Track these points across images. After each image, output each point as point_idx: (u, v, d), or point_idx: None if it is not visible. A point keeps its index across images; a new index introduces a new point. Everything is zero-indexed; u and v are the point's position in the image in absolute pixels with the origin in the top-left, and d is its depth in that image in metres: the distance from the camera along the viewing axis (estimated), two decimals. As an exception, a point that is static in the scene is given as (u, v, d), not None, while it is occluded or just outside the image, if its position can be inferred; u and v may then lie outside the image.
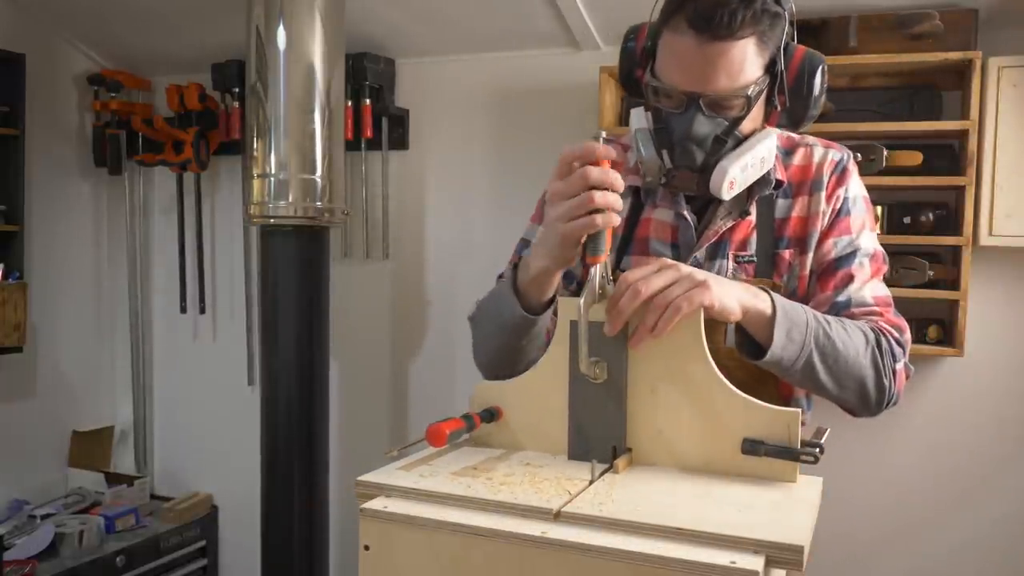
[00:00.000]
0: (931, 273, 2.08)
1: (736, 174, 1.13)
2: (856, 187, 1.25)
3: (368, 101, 2.63)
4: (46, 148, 2.89)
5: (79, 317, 3.07)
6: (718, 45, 1.07)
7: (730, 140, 1.14)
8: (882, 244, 1.25)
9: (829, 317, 1.13)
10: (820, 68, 1.16)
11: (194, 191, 2.99)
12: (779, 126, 1.22)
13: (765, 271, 1.23)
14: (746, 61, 1.09)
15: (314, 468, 2.39)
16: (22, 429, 2.88)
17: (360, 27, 2.52)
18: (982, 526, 2.24)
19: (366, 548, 0.92)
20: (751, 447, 0.98)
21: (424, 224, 2.78)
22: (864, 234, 1.23)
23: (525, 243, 1.37)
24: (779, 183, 1.22)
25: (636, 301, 0.99)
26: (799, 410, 0.97)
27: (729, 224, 1.22)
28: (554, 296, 1.16)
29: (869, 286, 1.21)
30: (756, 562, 0.76)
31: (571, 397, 1.07)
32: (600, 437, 1.05)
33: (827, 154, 1.25)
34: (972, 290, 2.06)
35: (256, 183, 2.29)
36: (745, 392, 0.99)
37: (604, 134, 1.03)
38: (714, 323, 1.07)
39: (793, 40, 1.17)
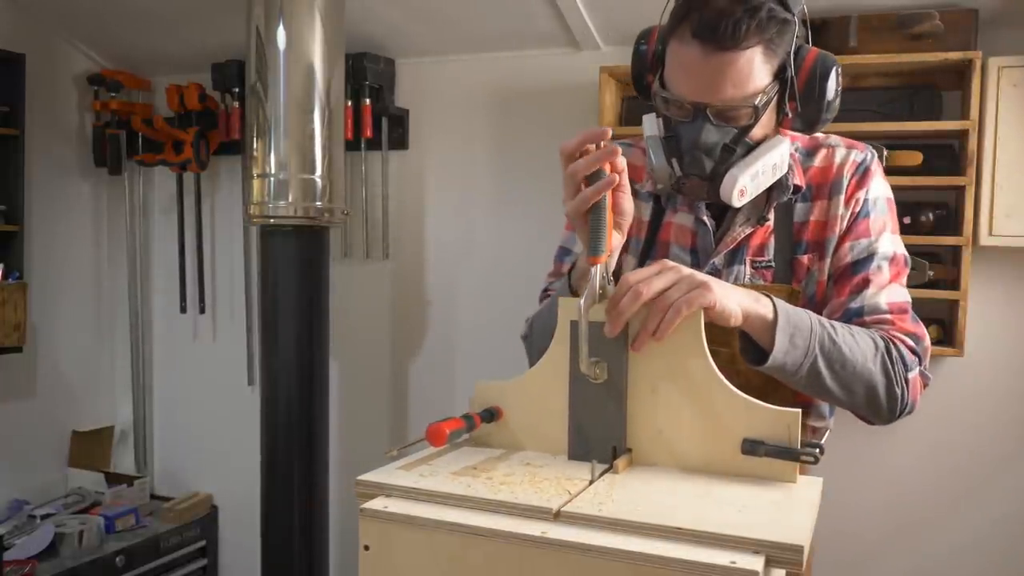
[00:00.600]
0: (931, 273, 2.08)
1: (746, 182, 1.13)
2: (878, 188, 1.23)
3: (368, 101, 2.63)
4: (46, 148, 2.89)
5: (79, 317, 3.07)
6: (723, 55, 1.06)
7: (739, 148, 1.13)
8: (881, 244, 1.24)
9: (836, 323, 1.12)
10: (833, 71, 1.14)
11: (194, 191, 3.00)
12: (793, 129, 1.21)
13: (783, 276, 1.22)
14: (753, 70, 1.08)
15: (314, 468, 2.39)
16: (22, 429, 2.88)
17: (360, 27, 2.52)
18: (982, 526, 2.24)
19: (366, 548, 0.92)
20: (751, 447, 0.98)
21: (424, 224, 2.78)
22: (884, 237, 1.21)
23: (564, 251, 1.38)
24: (797, 188, 1.21)
25: (637, 303, 0.99)
26: (799, 410, 0.97)
27: (748, 231, 1.22)
28: None
29: (886, 292, 1.19)
30: (756, 562, 0.76)
31: (571, 397, 1.07)
32: (600, 437, 1.05)
33: (849, 155, 1.23)
34: (972, 290, 2.06)
35: (256, 183, 2.29)
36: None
37: (610, 132, 1.04)
38: (730, 328, 1.07)
39: (807, 42, 1.16)
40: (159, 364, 3.22)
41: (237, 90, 2.77)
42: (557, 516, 0.86)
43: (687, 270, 1.01)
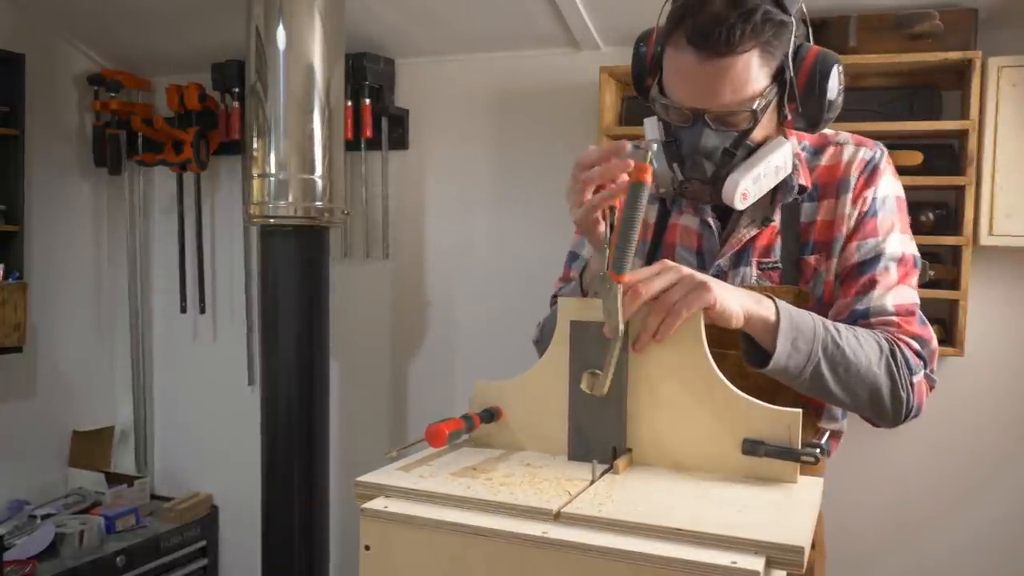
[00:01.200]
0: (931, 273, 2.08)
1: (748, 185, 1.12)
2: (888, 186, 1.21)
3: (368, 101, 2.63)
4: (46, 148, 2.89)
5: (79, 317, 3.07)
6: (719, 61, 1.06)
7: (740, 151, 1.13)
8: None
9: (840, 326, 1.11)
10: (834, 69, 1.13)
11: (194, 191, 2.99)
12: (796, 129, 1.20)
13: (790, 277, 1.21)
14: (750, 74, 1.07)
15: (314, 468, 2.39)
16: (22, 429, 2.88)
17: (360, 27, 2.52)
18: (983, 525, 2.24)
19: (366, 548, 0.92)
20: (751, 447, 0.98)
21: (424, 224, 2.78)
22: (893, 236, 1.19)
23: (573, 256, 1.39)
24: (803, 188, 1.20)
25: (636, 303, 0.99)
26: (799, 410, 0.97)
27: (753, 232, 1.21)
28: None
29: (892, 293, 1.17)
30: (756, 563, 0.76)
31: (571, 398, 1.07)
32: (600, 438, 1.05)
33: (857, 152, 1.22)
34: (972, 290, 2.06)
35: (256, 183, 2.29)
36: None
37: (629, 145, 1.06)
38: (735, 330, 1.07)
39: (808, 40, 1.15)
40: (159, 364, 3.22)
41: (237, 90, 2.77)
42: (557, 517, 0.86)
43: (687, 270, 1.01)
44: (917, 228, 2.09)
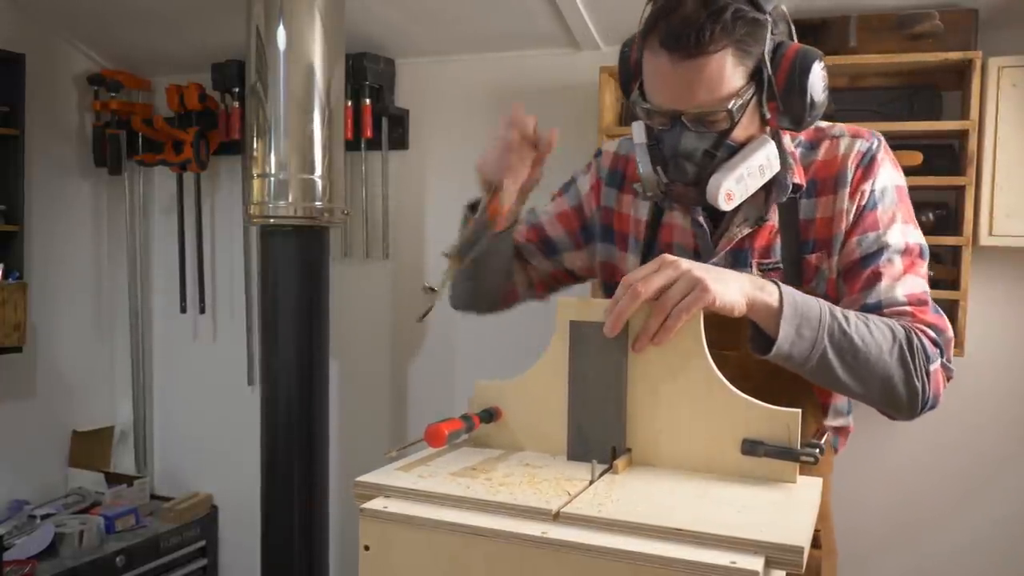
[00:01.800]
0: (931, 273, 2.07)
1: (731, 186, 1.11)
2: (887, 177, 1.19)
3: (368, 101, 2.63)
4: (46, 148, 2.89)
5: (79, 317, 3.07)
6: (692, 63, 1.06)
7: (721, 152, 1.12)
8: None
9: (851, 313, 1.09)
10: (815, 65, 1.10)
11: (194, 191, 2.99)
12: (781, 128, 1.17)
13: (792, 277, 1.19)
14: (724, 74, 1.07)
15: (314, 468, 2.39)
16: (22, 429, 2.88)
17: (360, 27, 2.52)
18: (984, 526, 2.24)
19: (366, 548, 0.92)
20: (751, 447, 0.98)
21: (424, 224, 2.78)
22: (894, 228, 1.17)
23: (534, 212, 1.47)
24: (797, 187, 1.18)
25: (636, 303, 0.99)
26: (799, 410, 0.97)
27: (745, 231, 1.19)
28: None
29: (901, 284, 1.15)
30: (756, 563, 0.76)
31: (571, 397, 1.07)
32: (599, 438, 1.05)
33: (853, 144, 1.20)
34: (972, 290, 2.06)
35: (256, 183, 2.29)
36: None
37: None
38: (738, 323, 1.06)
39: (792, 38, 1.14)
40: (159, 364, 3.22)
41: (237, 90, 2.77)
42: (557, 517, 0.86)
43: (686, 264, 1.00)
44: (917, 228, 2.11)
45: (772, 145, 1.14)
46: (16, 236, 2.65)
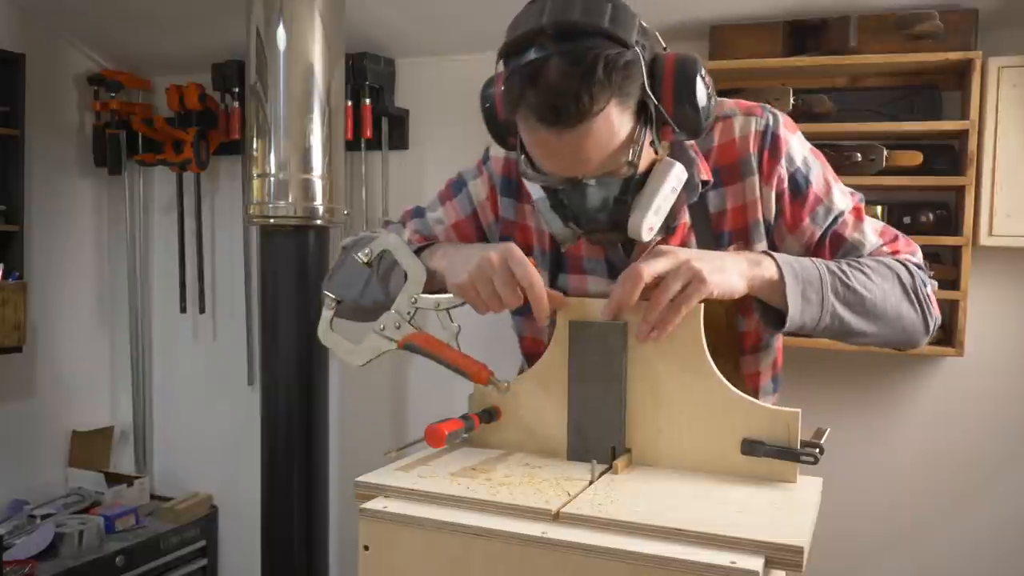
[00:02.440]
0: (931, 273, 2.08)
1: (652, 220, 1.05)
2: (797, 150, 1.15)
3: (368, 101, 2.63)
4: (46, 148, 2.88)
5: (79, 317, 3.06)
6: (575, 131, 0.96)
7: (631, 194, 1.05)
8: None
9: (846, 264, 1.10)
10: (697, 78, 1.00)
11: (194, 191, 2.99)
12: (678, 139, 1.08)
13: None
14: (613, 129, 0.98)
15: (314, 468, 2.39)
16: (22, 429, 2.88)
17: (360, 27, 2.52)
18: (982, 526, 2.24)
19: (366, 548, 0.92)
20: (750, 447, 0.98)
21: (424, 224, 2.78)
22: (834, 193, 1.16)
23: (420, 214, 1.34)
24: (705, 182, 1.13)
25: (639, 285, 0.98)
26: (798, 410, 0.97)
27: (659, 238, 1.13)
28: None
29: (868, 228, 1.17)
30: (756, 562, 0.76)
31: (571, 397, 1.07)
32: (599, 437, 1.05)
33: (749, 124, 1.14)
34: (972, 290, 2.06)
35: (256, 183, 2.29)
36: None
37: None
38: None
39: (663, 48, 1.04)
40: (159, 364, 3.22)
41: (237, 90, 2.77)
42: (557, 517, 0.86)
43: (684, 254, 1.00)
44: (917, 228, 2.11)
45: (678, 165, 1.06)
46: (16, 236, 2.65)
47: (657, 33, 1.04)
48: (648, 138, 1.02)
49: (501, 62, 1.02)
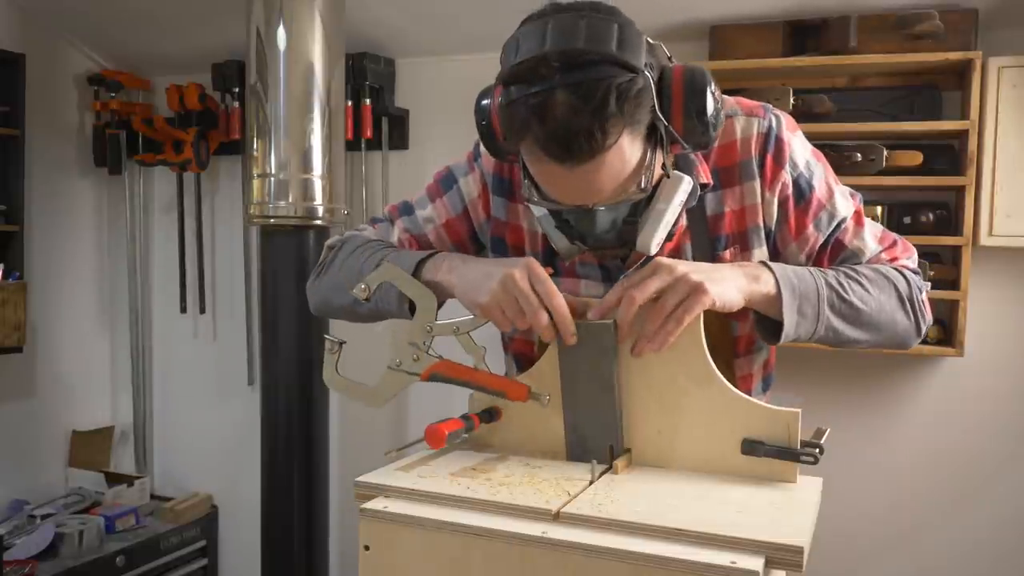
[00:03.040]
0: (931, 273, 2.08)
1: (660, 236, 1.03)
2: (799, 153, 1.12)
3: (368, 101, 2.63)
4: (46, 148, 2.89)
5: (79, 317, 3.06)
6: (587, 165, 0.92)
7: (641, 215, 1.03)
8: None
9: (843, 275, 1.10)
10: (705, 86, 0.97)
11: (194, 191, 2.99)
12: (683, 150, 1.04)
13: None
14: (625, 158, 0.94)
15: (314, 468, 2.39)
16: (22, 429, 2.88)
17: (360, 27, 2.52)
18: (982, 526, 2.24)
19: (366, 548, 0.92)
20: (750, 447, 0.98)
21: (424, 224, 2.78)
22: (836, 198, 1.14)
23: (409, 212, 1.28)
24: (704, 185, 1.11)
25: (632, 310, 0.98)
26: (798, 410, 0.97)
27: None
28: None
29: (864, 237, 1.16)
30: (756, 562, 0.76)
31: (564, 399, 1.06)
32: (596, 437, 1.05)
33: (751, 125, 1.11)
34: (972, 290, 2.06)
35: (256, 183, 2.29)
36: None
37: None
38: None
39: (668, 58, 1.00)
40: (159, 364, 3.22)
41: (237, 90, 2.77)
42: (557, 517, 0.86)
43: (681, 268, 0.99)
44: (917, 228, 2.11)
45: (686, 180, 1.04)
46: (16, 236, 2.65)
47: (662, 44, 1.00)
48: (659, 160, 0.99)
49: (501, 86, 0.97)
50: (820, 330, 1.07)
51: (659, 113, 0.95)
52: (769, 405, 1.00)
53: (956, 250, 2.08)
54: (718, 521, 0.83)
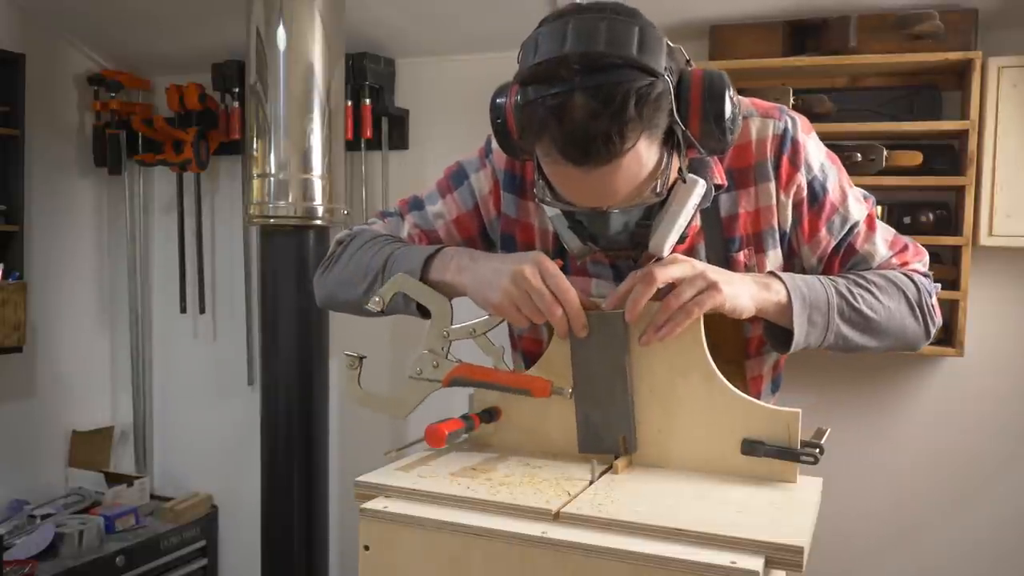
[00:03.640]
0: (931, 273, 2.08)
1: (673, 239, 1.03)
2: (815, 155, 1.12)
3: (368, 101, 2.63)
4: (46, 148, 2.88)
5: (79, 317, 3.06)
6: (604, 168, 0.92)
7: (655, 218, 1.02)
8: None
9: (853, 283, 1.10)
10: (724, 91, 0.96)
11: (194, 191, 2.99)
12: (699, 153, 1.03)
13: None
14: (642, 162, 0.93)
15: (314, 468, 2.39)
16: (22, 429, 2.88)
17: (360, 27, 2.52)
18: (982, 526, 2.24)
19: (366, 548, 0.92)
20: (750, 447, 0.98)
21: (424, 224, 2.78)
22: (849, 201, 1.14)
23: (419, 207, 1.28)
24: (719, 186, 1.10)
25: (651, 288, 0.98)
26: (799, 410, 0.97)
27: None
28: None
29: (876, 242, 1.17)
30: (756, 562, 0.76)
31: (576, 388, 1.05)
32: (609, 426, 1.05)
33: (766, 127, 1.10)
34: (972, 290, 2.06)
35: (256, 183, 2.29)
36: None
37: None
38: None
39: (688, 63, 1.00)
40: (159, 364, 3.22)
41: (237, 90, 2.77)
42: (557, 517, 0.86)
43: (700, 265, 1.00)
44: (917, 228, 2.11)
45: (700, 183, 1.03)
46: (16, 236, 2.65)
47: (681, 48, 0.99)
48: (676, 165, 0.99)
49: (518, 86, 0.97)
50: (830, 338, 1.08)
51: (677, 117, 0.94)
52: (769, 405, 1.00)
53: (956, 250, 2.08)
54: (718, 521, 0.83)
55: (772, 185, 1.11)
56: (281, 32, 2.23)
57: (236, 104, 2.80)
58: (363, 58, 2.58)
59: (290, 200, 2.26)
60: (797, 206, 1.13)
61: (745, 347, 1.21)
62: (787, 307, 1.04)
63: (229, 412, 3.04)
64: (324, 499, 2.45)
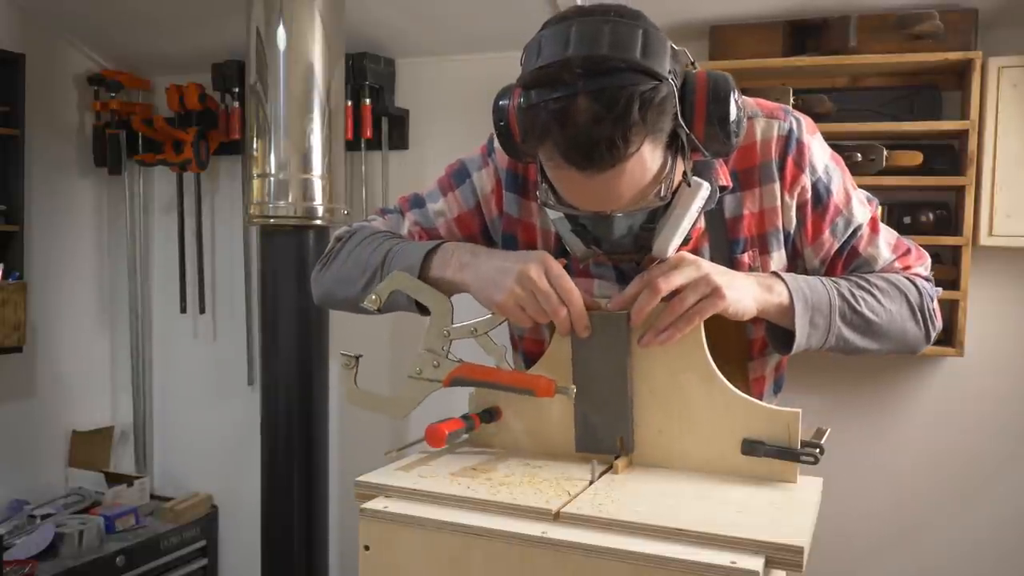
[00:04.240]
0: (931, 273, 2.08)
1: (677, 242, 1.02)
2: (819, 157, 1.12)
3: (368, 101, 2.63)
4: (46, 148, 2.88)
5: (79, 317, 3.06)
6: (608, 173, 0.91)
7: (659, 221, 1.01)
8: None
9: (855, 286, 1.10)
10: (728, 93, 0.95)
11: (194, 191, 2.99)
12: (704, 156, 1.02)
13: None
14: (646, 166, 0.92)
15: (314, 468, 2.39)
16: (22, 429, 2.88)
17: (360, 27, 2.52)
18: (982, 526, 2.24)
19: (366, 548, 0.92)
20: (751, 448, 0.98)
21: (424, 224, 2.78)
22: (853, 204, 1.14)
23: (420, 204, 1.27)
24: (723, 188, 1.09)
25: (655, 299, 0.99)
26: (799, 410, 0.97)
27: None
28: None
29: (879, 245, 1.16)
30: (756, 562, 0.76)
31: (576, 388, 1.05)
32: (607, 427, 1.05)
33: (771, 128, 1.10)
34: (972, 290, 2.06)
35: (256, 183, 2.29)
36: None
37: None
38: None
39: (692, 65, 0.99)
40: (159, 364, 3.22)
41: (237, 90, 2.77)
42: (557, 517, 0.86)
43: (705, 267, 1.00)
44: (917, 228, 2.11)
45: (705, 186, 1.02)
46: (16, 236, 2.65)
47: (685, 50, 0.98)
48: (680, 168, 0.98)
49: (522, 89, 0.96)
50: (831, 340, 1.08)
51: (681, 121, 0.94)
52: (769, 405, 1.00)
53: (956, 250, 2.09)
54: (718, 521, 0.83)
55: (776, 186, 1.11)
56: (281, 32, 2.23)
57: (236, 104, 2.80)
58: (363, 58, 2.58)
59: (290, 200, 2.26)
60: (801, 208, 1.13)
61: (748, 348, 1.21)
62: (789, 309, 1.04)
63: (229, 412, 3.04)
64: (324, 499, 2.45)
